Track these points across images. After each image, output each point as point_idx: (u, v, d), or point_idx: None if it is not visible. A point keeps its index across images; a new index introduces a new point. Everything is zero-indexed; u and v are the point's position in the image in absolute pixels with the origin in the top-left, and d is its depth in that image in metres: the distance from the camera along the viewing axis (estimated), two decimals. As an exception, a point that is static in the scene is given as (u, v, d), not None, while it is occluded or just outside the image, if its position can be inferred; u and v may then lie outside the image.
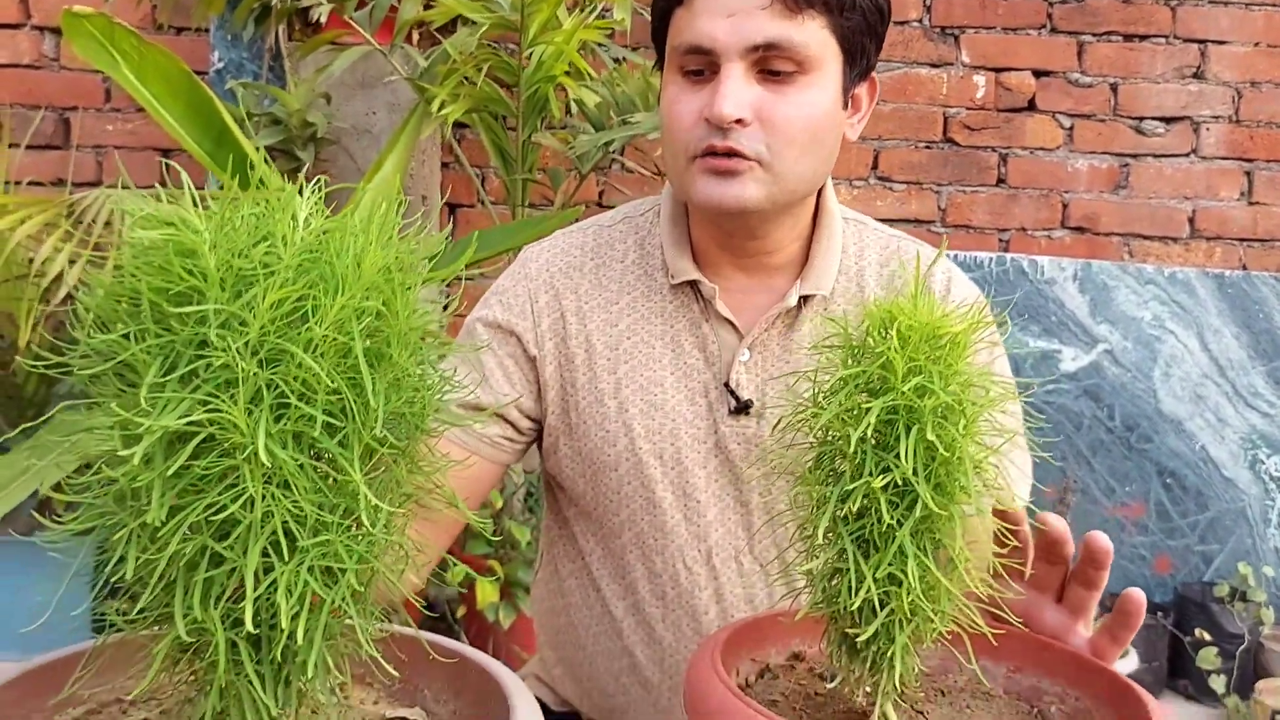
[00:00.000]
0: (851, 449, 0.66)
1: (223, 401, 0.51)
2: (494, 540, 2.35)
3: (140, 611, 0.55)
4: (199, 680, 0.56)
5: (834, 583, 0.69)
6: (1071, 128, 2.91)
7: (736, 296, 1.08)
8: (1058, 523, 0.79)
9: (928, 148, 2.90)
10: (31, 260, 2.35)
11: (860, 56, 1.01)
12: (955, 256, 2.72)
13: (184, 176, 0.56)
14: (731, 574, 1.08)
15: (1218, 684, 2.54)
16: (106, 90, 2.73)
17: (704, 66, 0.98)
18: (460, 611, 2.34)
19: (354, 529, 0.55)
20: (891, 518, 0.66)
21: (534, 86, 2.12)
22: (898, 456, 0.66)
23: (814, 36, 0.96)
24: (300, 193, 0.60)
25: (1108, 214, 2.93)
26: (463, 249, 1.96)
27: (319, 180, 0.66)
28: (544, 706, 1.20)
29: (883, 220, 1.20)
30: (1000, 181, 2.92)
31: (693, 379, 1.07)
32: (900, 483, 0.66)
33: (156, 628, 0.55)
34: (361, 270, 0.56)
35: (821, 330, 1.07)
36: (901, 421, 0.67)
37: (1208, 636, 2.61)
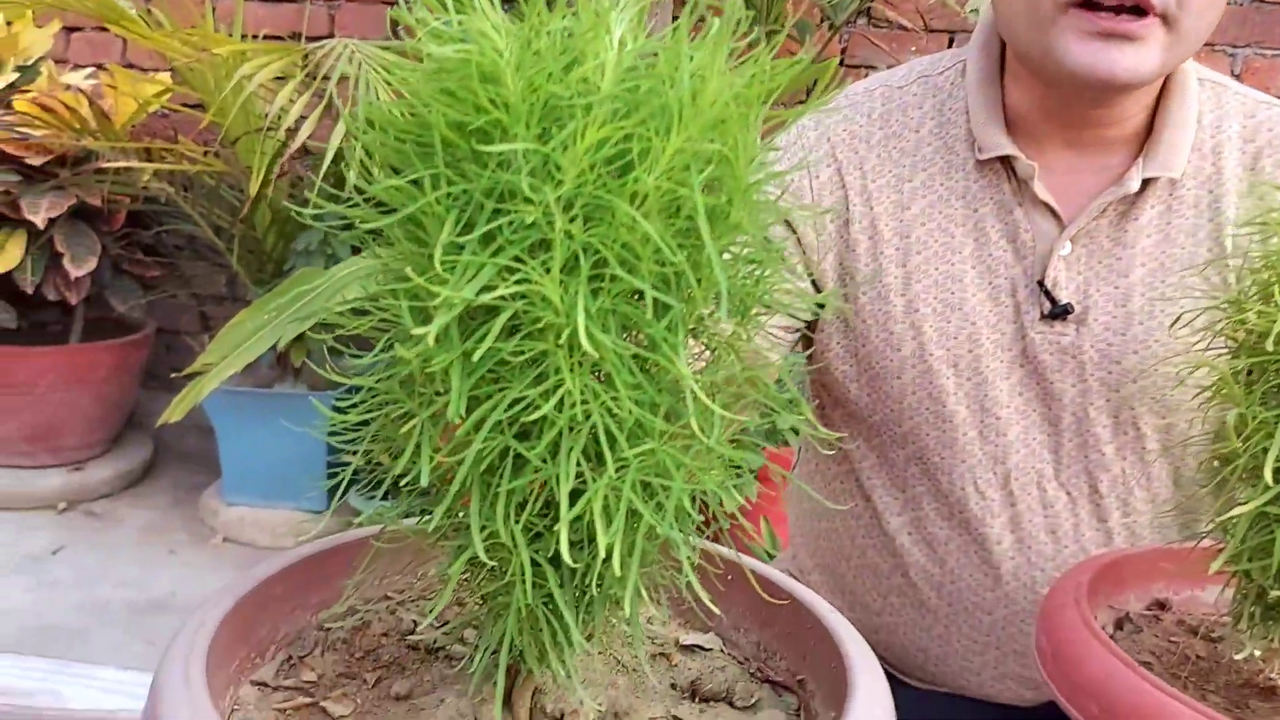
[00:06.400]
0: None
1: (532, 269, 0.40)
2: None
3: (423, 513, 0.46)
4: (489, 601, 0.47)
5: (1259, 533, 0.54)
6: None
7: (1060, 177, 0.90)
8: None
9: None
10: (267, 114, 2.36)
11: None
12: None
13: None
14: (1032, 501, 0.93)
15: None
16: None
17: None
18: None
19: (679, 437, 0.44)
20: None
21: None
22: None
23: None
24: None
25: None
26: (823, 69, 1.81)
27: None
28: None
29: None
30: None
31: (998, 274, 0.91)
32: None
33: (442, 537, 0.46)
34: (699, 104, 0.43)
35: (1168, 220, 0.88)
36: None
37: None
